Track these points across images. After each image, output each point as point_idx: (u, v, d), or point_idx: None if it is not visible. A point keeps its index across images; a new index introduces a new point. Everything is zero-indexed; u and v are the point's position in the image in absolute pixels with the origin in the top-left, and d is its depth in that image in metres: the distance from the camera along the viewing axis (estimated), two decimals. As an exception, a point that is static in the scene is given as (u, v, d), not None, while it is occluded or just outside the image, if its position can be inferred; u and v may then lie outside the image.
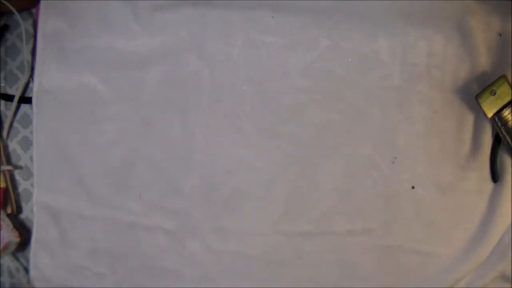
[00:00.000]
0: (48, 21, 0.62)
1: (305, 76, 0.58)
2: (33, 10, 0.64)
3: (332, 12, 0.58)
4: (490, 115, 0.55)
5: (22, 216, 0.64)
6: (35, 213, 0.61)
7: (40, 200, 0.61)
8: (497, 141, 0.58)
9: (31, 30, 0.64)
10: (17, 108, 0.64)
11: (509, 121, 0.56)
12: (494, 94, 0.55)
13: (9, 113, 0.63)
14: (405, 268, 0.59)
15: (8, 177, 0.63)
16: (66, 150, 0.61)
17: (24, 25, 0.63)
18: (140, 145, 0.60)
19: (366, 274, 0.59)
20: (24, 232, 0.63)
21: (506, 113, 0.56)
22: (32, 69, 0.63)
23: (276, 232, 0.59)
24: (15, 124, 0.64)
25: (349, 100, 0.58)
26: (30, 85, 0.63)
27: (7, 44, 0.64)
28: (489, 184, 0.59)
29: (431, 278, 0.59)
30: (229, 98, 0.59)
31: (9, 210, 0.63)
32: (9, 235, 0.60)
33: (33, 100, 0.62)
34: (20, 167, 0.64)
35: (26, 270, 0.63)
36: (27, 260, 0.63)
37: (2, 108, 0.64)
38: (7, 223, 0.61)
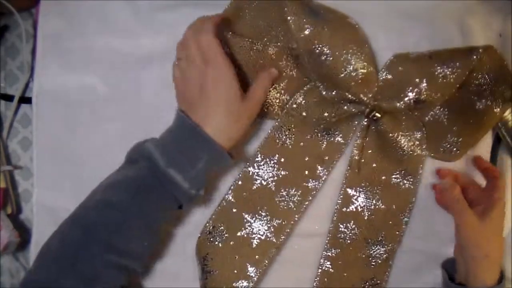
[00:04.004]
0: (48, 21, 0.62)
1: (305, 76, 0.58)
2: (33, 10, 0.64)
3: (332, 12, 0.58)
4: (490, 115, 0.56)
5: (22, 216, 0.64)
6: (35, 213, 0.61)
7: (40, 200, 0.61)
8: (497, 141, 0.58)
9: (31, 30, 0.64)
10: (17, 108, 0.64)
11: (509, 121, 0.56)
12: (494, 94, 0.55)
13: (9, 113, 0.63)
14: (404, 268, 0.59)
15: (8, 177, 0.63)
16: (66, 150, 0.61)
17: (24, 25, 0.63)
18: (140, 145, 0.60)
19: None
20: (24, 232, 0.63)
21: (506, 113, 0.56)
22: (32, 69, 0.63)
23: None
24: (15, 124, 0.64)
25: (349, 100, 0.58)
26: (30, 85, 0.63)
27: (7, 44, 0.64)
28: (489, 184, 0.59)
29: (431, 278, 0.59)
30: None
31: (9, 210, 0.63)
32: (9, 235, 0.60)
33: (33, 100, 0.61)
34: (20, 167, 0.64)
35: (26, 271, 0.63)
36: (27, 260, 0.63)
37: (2, 108, 0.64)
38: (7, 223, 0.61)
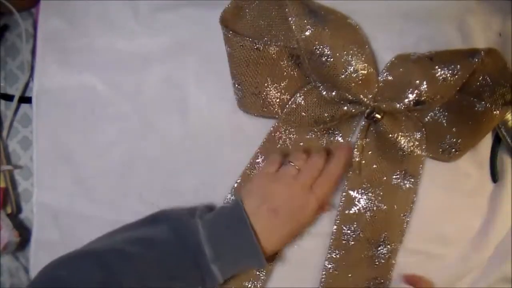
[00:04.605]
0: (48, 21, 0.62)
1: (305, 76, 0.58)
2: (33, 10, 0.64)
3: (332, 12, 0.58)
4: (490, 115, 0.55)
5: (22, 216, 0.64)
6: (35, 213, 0.61)
7: (40, 200, 0.61)
8: (497, 141, 0.58)
9: (31, 30, 0.64)
10: (17, 108, 0.64)
11: (509, 121, 0.56)
12: (494, 94, 0.55)
13: (9, 113, 0.63)
14: (405, 268, 0.59)
15: (8, 177, 0.63)
16: (66, 150, 0.61)
17: (24, 25, 0.63)
18: (140, 145, 0.60)
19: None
20: (24, 232, 0.63)
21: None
22: (32, 69, 0.63)
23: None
24: (15, 124, 0.64)
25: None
26: (30, 85, 0.63)
27: (7, 44, 0.64)
28: (489, 184, 0.59)
29: (431, 279, 0.59)
30: (230, 97, 0.59)
31: (9, 210, 0.63)
32: (9, 235, 0.60)
33: (33, 100, 0.62)
34: (20, 167, 0.64)
35: (26, 270, 0.63)
36: (27, 260, 0.63)
37: (2, 108, 0.64)
38: (7, 223, 0.61)
